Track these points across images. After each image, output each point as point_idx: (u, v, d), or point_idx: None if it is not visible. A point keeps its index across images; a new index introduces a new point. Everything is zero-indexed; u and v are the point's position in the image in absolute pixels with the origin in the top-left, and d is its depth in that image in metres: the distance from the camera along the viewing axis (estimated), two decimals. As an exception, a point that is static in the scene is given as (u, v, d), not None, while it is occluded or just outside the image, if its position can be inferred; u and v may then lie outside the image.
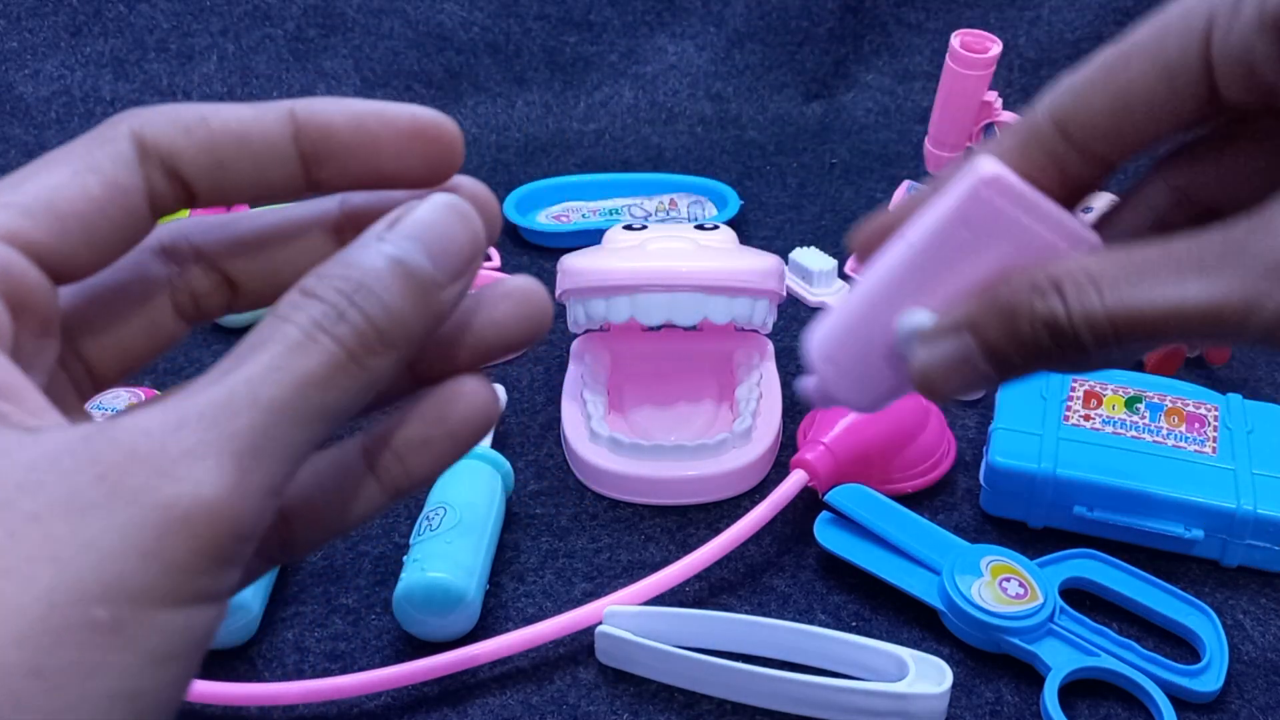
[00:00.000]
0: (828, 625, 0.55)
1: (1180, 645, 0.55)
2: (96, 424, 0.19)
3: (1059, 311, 0.24)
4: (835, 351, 0.29)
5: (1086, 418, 0.62)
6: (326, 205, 0.26)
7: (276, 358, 0.20)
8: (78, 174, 0.22)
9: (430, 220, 0.23)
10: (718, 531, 0.57)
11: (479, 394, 0.25)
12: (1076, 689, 0.53)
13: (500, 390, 0.68)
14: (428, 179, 0.25)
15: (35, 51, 1.06)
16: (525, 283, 0.26)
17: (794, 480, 0.59)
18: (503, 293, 0.26)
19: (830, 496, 0.59)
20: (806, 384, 0.31)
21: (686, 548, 0.58)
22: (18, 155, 0.97)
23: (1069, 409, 0.63)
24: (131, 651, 0.18)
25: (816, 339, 0.30)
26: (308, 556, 0.26)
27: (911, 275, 0.27)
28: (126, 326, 0.25)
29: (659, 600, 0.56)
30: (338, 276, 0.21)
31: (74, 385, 0.24)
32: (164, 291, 0.25)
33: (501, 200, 0.90)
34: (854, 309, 0.29)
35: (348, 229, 0.26)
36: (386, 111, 0.24)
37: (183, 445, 0.19)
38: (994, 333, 0.25)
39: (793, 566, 0.60)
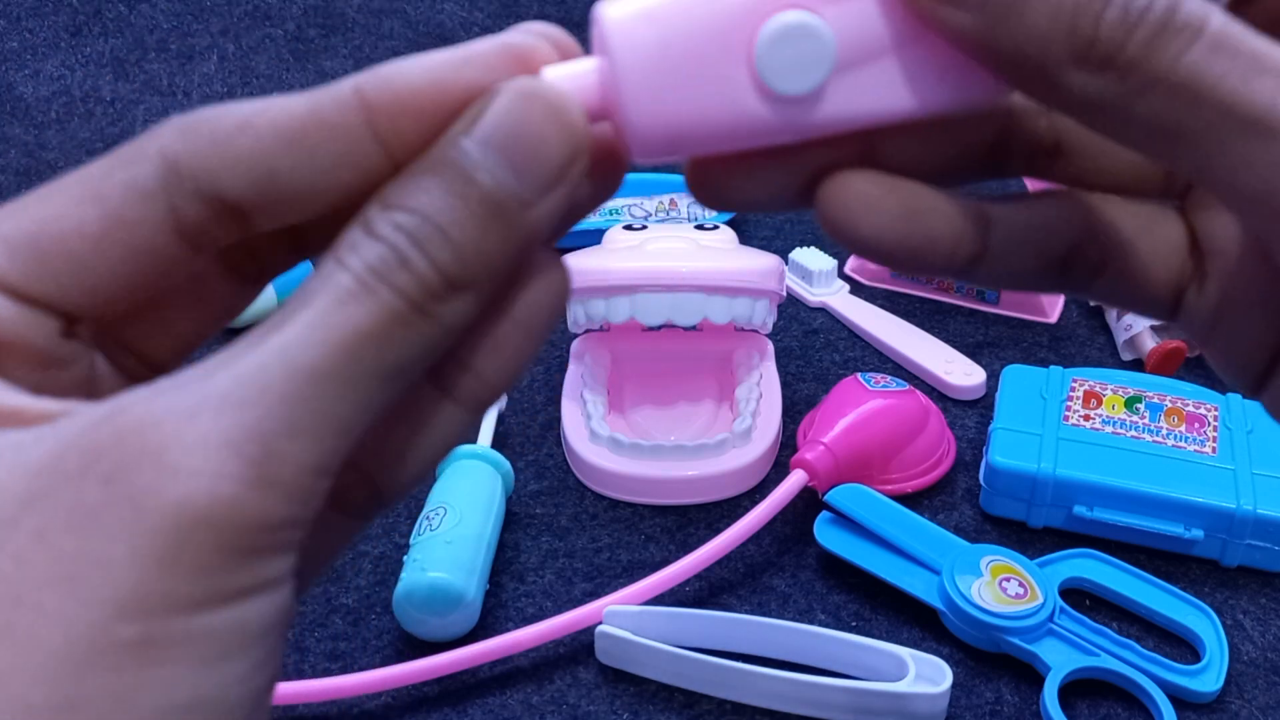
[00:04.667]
0: (828, 625, 0.55)
1: (1180, 645, 0.55)
2: (109, 408, 0.17)
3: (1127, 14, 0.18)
4: (670, 28, 0.19)
5: (1086, 418, 0.62)
6: (339, 94, 0.19)
7: (319, 314, 0.17)
8: (78, 204, 0.19)
9: (509, 118, 0.18)
10: (718, 531, 0.57)
11: (545, 271, 0.20)
12: (1076, 689, 0.53)
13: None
14: None
15: (35, 51, 1.06)
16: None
17: (794, 480, 0.59)
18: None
19: (830, 496, 0.59)
20: (584, 74, 0.19)
21: (686, 548, 0.58)
22: (18, 155, 0.97)
23: (1069, 409, 0.63)
24: (171, 663, 0.16)
25: (639, 6, 0.19)
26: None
27: None
28: (166, 309, 0.21)
29: (659, 600, 0.56)
30: (399, 209, 0.18)
31: (131, 377, 0.21)
32: (175, 246, 0.20)
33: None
34: None
35: (385, 123, 0.19)
36: (471, 58, 0.19)
37: (196, 435, 0.16)
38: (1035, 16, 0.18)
39: (793, 566, 0.60)
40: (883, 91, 0.20)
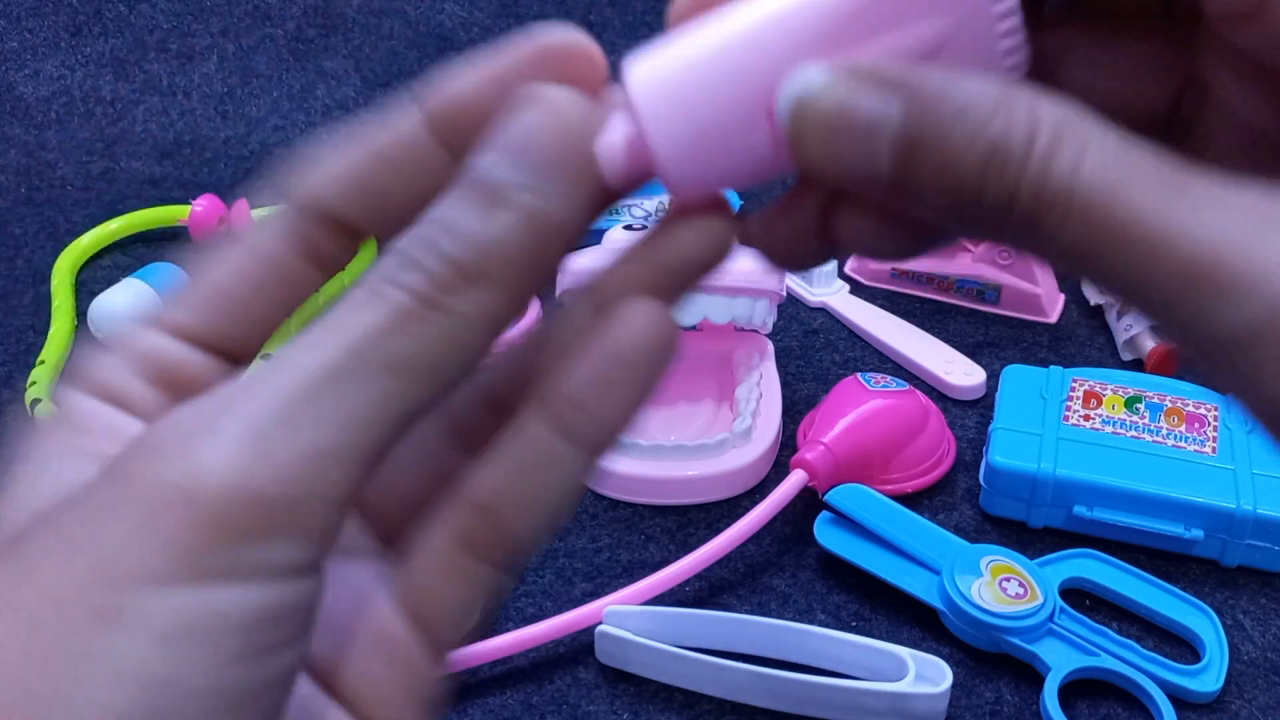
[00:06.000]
0: (828, 625, 0.55)
1: (1180, 645, 0.55)
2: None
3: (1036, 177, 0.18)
4: (695, 98, 0.20)
5: (1086, 418, 0.62)
6: (405, 110, 0.22)
7: (330, 320, 0.19)
8: (241, 254, 0.22)
9: (510, 120, 0.20)
10: (718, 531, 0.57)
11: (644, 309, 0.20)
12: (1076, 689, 0.53)
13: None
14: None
15: (35, 51, 1.06)
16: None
17: (794, 480, 0.59)
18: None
19: (830, 496, 0.59)
20: (614, 138, 0.21)
21: (686, 548, 0.58)
22: (18, 155, 0.97)
23: (1069, 409, 0.63)
24: (128, 634, 0.17)
25: (663, 74, 0.21)
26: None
27: (823, 19, 0.20)
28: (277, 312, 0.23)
29: (659, 600, 0.56)
30: (423, 220, 0.19)
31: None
32: (305, 268, 0.22)
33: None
34: (732, 45, 0.20)
35: (445, 129, 0.22)
36: (514, 58, 0.21)
37: (192, 428, 0.18)
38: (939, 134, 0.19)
39: (793, 566, 0.60)
40: None
